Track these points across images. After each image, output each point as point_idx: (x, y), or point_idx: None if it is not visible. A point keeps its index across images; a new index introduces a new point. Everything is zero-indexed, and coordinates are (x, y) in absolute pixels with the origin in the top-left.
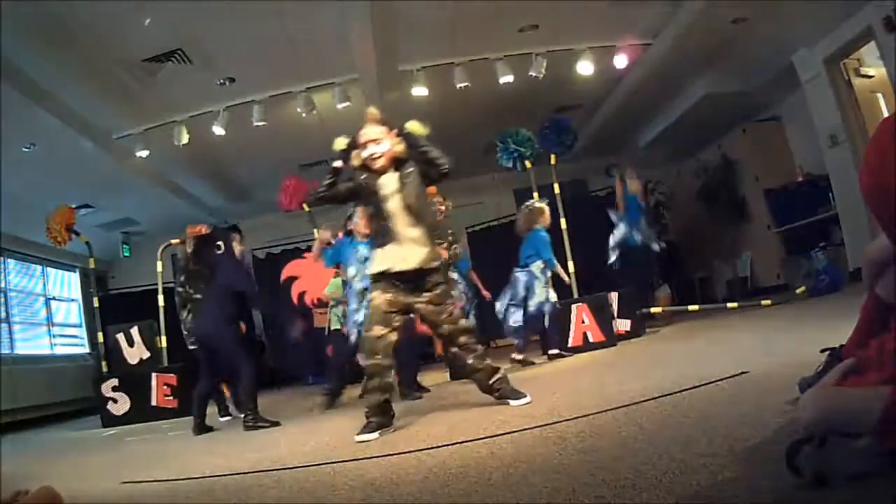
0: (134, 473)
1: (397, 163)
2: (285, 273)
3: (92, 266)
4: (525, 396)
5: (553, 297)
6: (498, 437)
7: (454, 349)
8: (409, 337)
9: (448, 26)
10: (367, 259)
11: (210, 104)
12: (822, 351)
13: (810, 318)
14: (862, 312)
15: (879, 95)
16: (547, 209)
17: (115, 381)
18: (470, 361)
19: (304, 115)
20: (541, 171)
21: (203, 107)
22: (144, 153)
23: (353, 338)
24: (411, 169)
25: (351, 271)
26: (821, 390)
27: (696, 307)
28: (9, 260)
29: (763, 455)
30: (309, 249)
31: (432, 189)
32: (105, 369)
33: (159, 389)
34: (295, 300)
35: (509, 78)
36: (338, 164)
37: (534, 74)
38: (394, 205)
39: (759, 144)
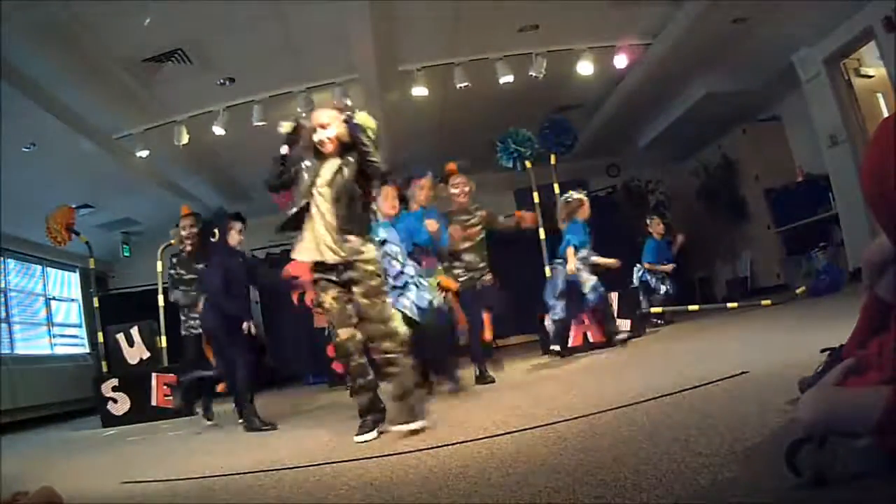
0: (134, 473)
1: (342, 149)
2: (285, 273)
3: (92, 266)
4: (416, 421)
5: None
6: (498, 437)
7: (376, 355)
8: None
9: (448, 26)
10: (384, 241)
11: (210, 104)
12: (822, 351)
13: (810, 318)
14: (862, 312)
15: (879, 95)
16: (586, 200)
17: (115, 381)
18: (388, 372)
19: (304, 114)
20: (541, 171)
21: (203, 107)
22: (144, 153)
23: None
24: (352, 160)
25: None
26: (821, 390)
27: (696, 307)
28: (9, 260)
29: (763, 455)
30: None
31: (452, 166)
32: (105, 369)
33: (159, 389)
34: (295, 300)
35: (509, 78)
36: (284, 150)
37: (534, 74)
38: (324, 192)
39: (759, 144)
